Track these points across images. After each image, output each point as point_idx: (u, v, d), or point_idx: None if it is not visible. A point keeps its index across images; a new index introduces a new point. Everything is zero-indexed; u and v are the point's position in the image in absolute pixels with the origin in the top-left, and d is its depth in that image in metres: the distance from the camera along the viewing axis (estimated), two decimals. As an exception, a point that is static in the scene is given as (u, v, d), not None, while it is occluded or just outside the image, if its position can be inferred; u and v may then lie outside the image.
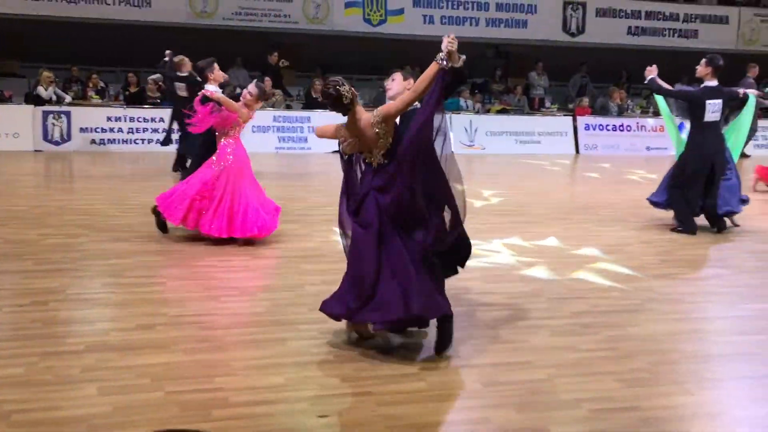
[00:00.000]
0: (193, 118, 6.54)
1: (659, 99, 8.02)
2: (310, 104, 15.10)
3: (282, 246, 6.52)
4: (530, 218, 8.23)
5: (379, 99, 16.19)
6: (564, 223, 8.01)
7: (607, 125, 16.18)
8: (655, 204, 7.97)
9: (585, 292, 5.43)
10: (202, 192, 6.37)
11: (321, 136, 4.48)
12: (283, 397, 3.50)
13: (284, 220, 7.68)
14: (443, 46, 3.89)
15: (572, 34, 17.60)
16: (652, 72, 7.60)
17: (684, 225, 7.59)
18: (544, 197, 9.91)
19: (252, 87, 6.50)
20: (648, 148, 16.05)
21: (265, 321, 4.58)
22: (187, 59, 10.21)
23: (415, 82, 4.06)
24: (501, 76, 17.77)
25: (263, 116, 14.31)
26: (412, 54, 16.55)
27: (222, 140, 6.53)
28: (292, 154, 14.10)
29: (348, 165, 4.26)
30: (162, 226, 6.71)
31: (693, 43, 18.13)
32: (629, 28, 17.95)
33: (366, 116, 4.08)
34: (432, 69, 3.87)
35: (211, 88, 6.66)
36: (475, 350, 4.22)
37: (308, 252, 6.31)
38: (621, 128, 16.21)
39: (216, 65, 6.92)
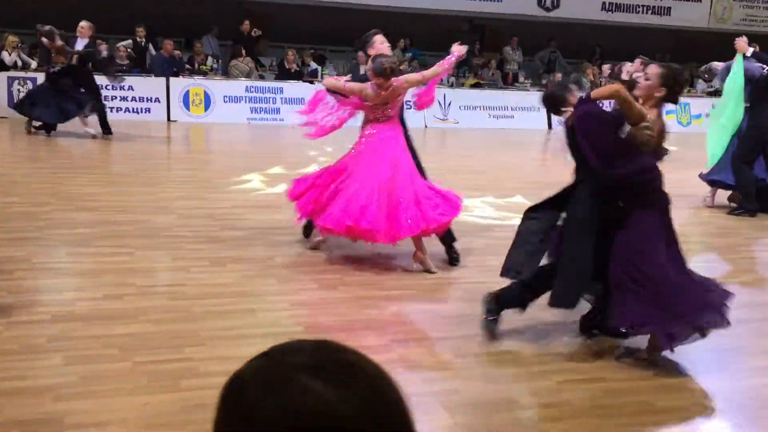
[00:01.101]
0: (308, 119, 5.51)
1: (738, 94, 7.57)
2: (282, 75, 14.92)
3: (252, 218, 6.47)
4: (503, 192, 8.27)
5: (352, 70, 16.08)
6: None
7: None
8: (713, 183, 7.89)
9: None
10: (321, 176, 5.36)
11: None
12: (252, 368, 3.48)
13: (254, 191, 7.63)
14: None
15: (547, 9, 17.57)
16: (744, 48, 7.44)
17: (750, 204, 7.63)
18: (518, 171, 9.95)
19: (369, 64, 5.31)
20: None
21: (235, 291, 4.55)
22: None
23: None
24: (479, 50, 17.72)
25: (236, 87, 14.13)
26: (387, 25, 16.42)
27: (366, 126, 5.33)
28: (264, 125, 13.96)
29: None
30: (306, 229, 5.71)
31: (666, 21, 18.23)
32: (603, 4, 17.96)
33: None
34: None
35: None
36: (446, 322, 4.25)
37: (278, 224, 6.27)
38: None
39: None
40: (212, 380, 3.32)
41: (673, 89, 3.76)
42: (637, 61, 7.28)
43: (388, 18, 16.31)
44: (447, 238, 5.37)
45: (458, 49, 5.43)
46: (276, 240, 5.76)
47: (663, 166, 3.94)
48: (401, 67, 5.48)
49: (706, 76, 9.95)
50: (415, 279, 5.00)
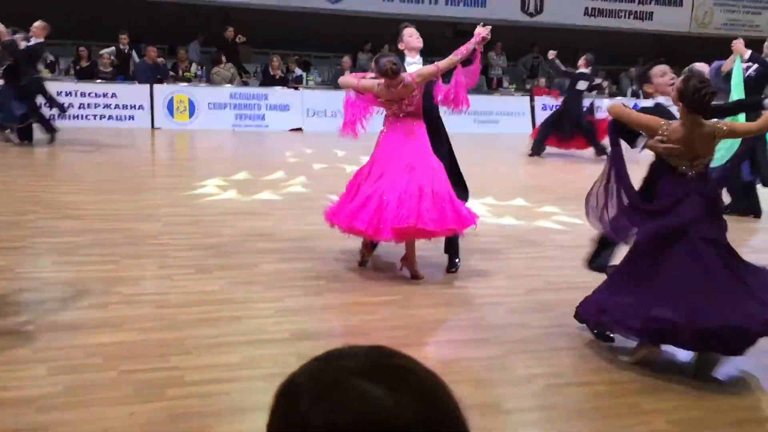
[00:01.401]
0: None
1: None
2: (267, 81, 14.90)
3: (237, 225, 6.45)
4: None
5: (336, 76, 16.07)
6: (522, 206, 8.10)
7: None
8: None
9: (540, 270, 5.51)
10: (350, 184, 5.20)
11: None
12: (238, 376, 3.48)
13: (239, 198, 7.61)
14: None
15: (530, 14, 17.68)
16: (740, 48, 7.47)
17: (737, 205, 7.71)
18: (505, 176, 9.98)
19: (373, 65, 5.12)
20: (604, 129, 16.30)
21: (220, 299, 4.53)
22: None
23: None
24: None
25: (220, 93, 14.09)
26: (372, 32, 16.45)
27: (386, 122, 5.19)
28: (249, 131, 13.92)
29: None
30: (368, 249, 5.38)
31: (648, 25, 18.39)
32: (586, 9, 18.10)
33: None
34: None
35: None
36: (432, 328, 4.25)
37: (263, 230, 6.25)
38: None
39: None
40: (198, 389, 3.30)
41: (689, 105, 3.74)
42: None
43: (371, 24, 16.36)
44: (454, 246, 5.30)
45: (480, 30, 5.00)
46: (261, 247, 5.74)
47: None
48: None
49: None
50: (402, 284, 5.00)
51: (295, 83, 15.12)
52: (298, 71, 15.68)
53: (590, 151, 12.05)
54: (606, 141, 5.03)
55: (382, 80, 4.91)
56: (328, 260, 5.45)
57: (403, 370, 0.84)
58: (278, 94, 14.40)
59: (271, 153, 11.58)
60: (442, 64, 4.98)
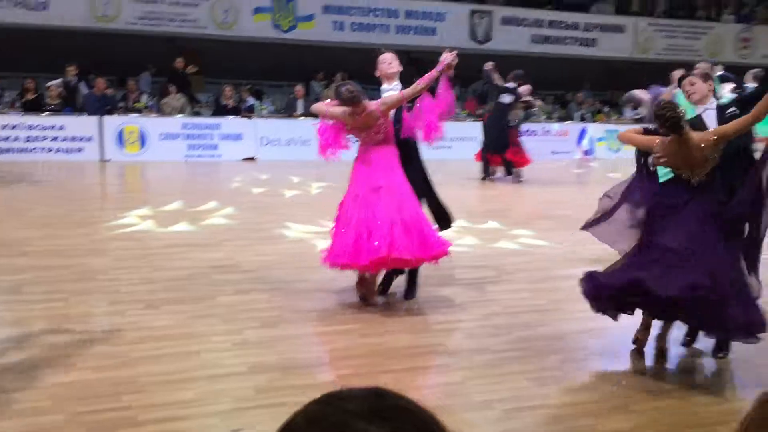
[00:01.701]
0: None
1: None
2: (220, 110, 14.83)
3: (190, 257, 6.35)
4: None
5: (290, 105, 16.08)
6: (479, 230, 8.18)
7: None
8: None
9: (497, 294, 5.55)
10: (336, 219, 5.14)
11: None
12: (193, 413, 3.40)
13: (192, 230, 7.51)
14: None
15: (480, 42, 18.02)
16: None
17: None
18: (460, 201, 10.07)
19: (332, 92, 5.24)
20: (553, 152, 16.60)
21: (175, 334, 4.44)
22: None
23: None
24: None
25: (171, 123, 13.96)
26: (323, 60, 16.55)
27: (359, 149, 5.20)
28: (202, 162, 13.80)
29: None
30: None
31: (592, 51, 18.91)
32: (533, 36, 18.53)
33: None
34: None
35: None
36: (392, 356, 4.23)
37: (216, 262, 6.17)
38: (527, 133, 16.70)
39: None
40: (151, 428, 3.22)
41: (665, 129, 4.03)
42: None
43: (323, 53, 16.48)
44: (412, 274, 5.25)
45: (446, 57, 4.92)
46: (216, 279, 5.66)
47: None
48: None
49: (629, 104, 10.35)
50: (360, 313, 4.98)
51: (248, 112, 15.08)
52: (251, 100, 15.66)
53: (538, 168, 12.19)
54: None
55: (348, 108, 4.91)
56: (284, 291, 5.40)
57: (403, 410, 0.85)
58: (231, 123, 14.34)
59: (217, 183, 11.48)
60: (407, 92, 4.94)
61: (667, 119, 3.94)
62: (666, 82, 8.15)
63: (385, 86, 5.19)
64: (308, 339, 4.56)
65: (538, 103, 14.39)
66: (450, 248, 5.02)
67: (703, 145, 4.00)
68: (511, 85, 11.91)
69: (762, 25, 20.82)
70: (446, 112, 5.11)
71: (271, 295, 5.27)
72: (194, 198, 9.26)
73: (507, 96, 11.80)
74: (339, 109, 4.99)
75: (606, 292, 4.16)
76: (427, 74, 4.94)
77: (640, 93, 8.58)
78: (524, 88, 12.11)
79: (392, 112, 5.02)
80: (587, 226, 4.58)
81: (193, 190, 10.41)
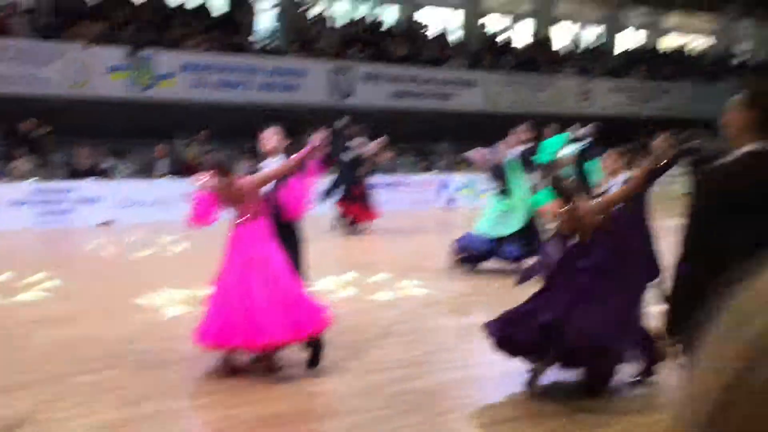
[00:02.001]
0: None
1: None
2: (74, 173, 14.10)
3: (43, 333, 5.91)
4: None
5: (150, 164, 15.57)
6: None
7: (377, 182, 16.91)
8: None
9: (368, 350, 5.54)
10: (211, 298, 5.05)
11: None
12: None
13: (44, 305, 7.01)
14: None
15: (342, 97, 18.39)
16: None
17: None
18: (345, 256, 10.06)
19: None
20: (413, 203, 16.98)
21: (24, 420, 4.08)
22: None
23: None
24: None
25: (19, 189, 13.09)
26: (187, 118, 16.22)
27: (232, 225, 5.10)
28: (54, 229, 12.96)
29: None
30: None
31: (447, 105, 19.78)
32: (393, 92, 19.15)
33: None
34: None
35: None
36: (268, 426, 4.11)
37: (72, 338, 5.76)
38: (390, 185, 17.02)
39: None
40: None
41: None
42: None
43: (188, 111, 16.19)
44: (315, 343, 5.02)
45: (315, 138, 5.03)
46: (73, 356, 5.28)
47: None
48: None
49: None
50: (221, 384, 4.77)
51: (105, 174, 14.44)
52: (110, 161, 15.01)
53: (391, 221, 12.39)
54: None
55: (218, 179, 4.86)
56: (147, 364, 5.12)
57: None
58: (85, 186, 13.66)
59: (79, 251, 10.86)
60: (278, 169, 4.98)
61: (555, 186, 4.67)
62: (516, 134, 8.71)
63: (267, 161, 5.21)
64: (172, 415, 4.33)
65: (387, 155, 14.56)
66: (329, 315, 5.00)
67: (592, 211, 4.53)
68: (354, 142, 12.26)
69: (599, 78, 22.72)
70: (310, 189, 5.21)
71: (135, 370, 4.98)
72: (26, 268, 8.61)
73: (347, 153, 12.06)
74: (212, 181, 4.93)
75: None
76: (297, 153, 5.01)
77: (473, 154, 9.25)
78: (372, 144, 12.44)
79: (270, 186, 5.01)
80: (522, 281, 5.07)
81: (28, 260, 9.74)
